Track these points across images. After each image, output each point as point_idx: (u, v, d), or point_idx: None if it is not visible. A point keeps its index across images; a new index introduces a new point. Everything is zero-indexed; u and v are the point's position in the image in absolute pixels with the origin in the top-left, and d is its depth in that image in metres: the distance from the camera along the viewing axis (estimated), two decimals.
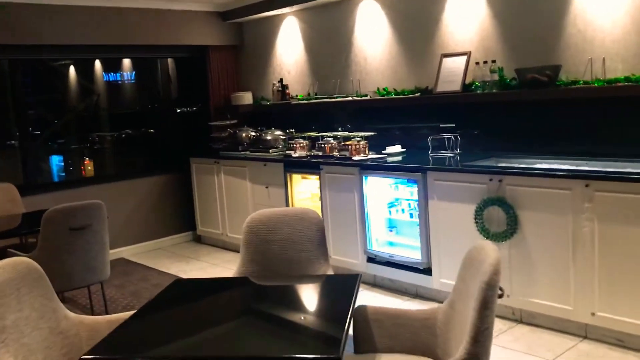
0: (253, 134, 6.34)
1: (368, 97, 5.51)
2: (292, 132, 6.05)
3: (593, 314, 3.57)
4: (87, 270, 3.98)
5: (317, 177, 5.25)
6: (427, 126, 5.18)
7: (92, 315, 4.43)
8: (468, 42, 4.86)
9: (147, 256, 6.34)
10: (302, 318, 2.31)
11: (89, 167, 7.24)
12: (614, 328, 3.51)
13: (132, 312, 2.64)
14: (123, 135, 8.08)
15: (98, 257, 4.01)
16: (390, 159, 4.94)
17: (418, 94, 5.06)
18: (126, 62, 8.05)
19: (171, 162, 7.08)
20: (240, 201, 6.06)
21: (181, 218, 6.88)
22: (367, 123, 5.62)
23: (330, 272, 3.01)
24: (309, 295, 2.58)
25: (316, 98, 5.97)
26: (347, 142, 5.21)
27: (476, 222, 4.02)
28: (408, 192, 4.64)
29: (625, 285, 3.41)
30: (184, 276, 5.55)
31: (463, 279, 2.30)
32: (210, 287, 2.85)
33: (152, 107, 8.03)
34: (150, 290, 5.19)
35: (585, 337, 3.67)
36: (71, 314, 2.63)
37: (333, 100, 5.78)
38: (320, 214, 5.20)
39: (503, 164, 4.27)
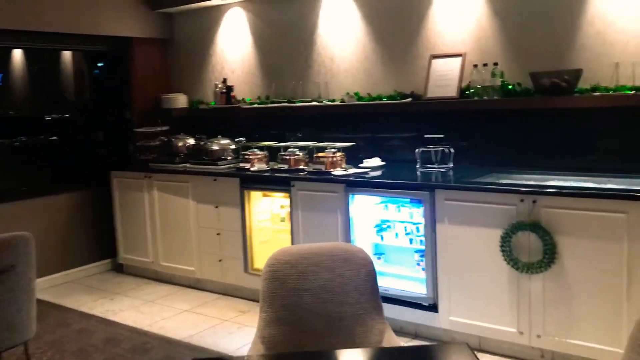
0: (192, 142, 5.37)
1: (343, 102, 4.78)
2: (242, 142, 5.16)
3: None
4: (7, 328, 2.87)
5: (286, 194, 4.43)
6: (407, 136, 4.56)
7: None
8: (460, 43, 4.29)
9: (58, 292, 5.14)
10: None
11: None
12: None
13: None
14: (16, 144, 6.73)
15: (24, 310, 2.92)
16: (372, 174, 4.24)
17: (410, 99, 4.39)
18: (17, 53, 6.74)
19: (85, 177, 5.91)
20: (180, 223, 5.06)
21: (97, 243, 5.71)
22: (330, 132, 4.89)
23: (390, 332, 2.23)
24: None
25: (274, 102, 5.13)
26: (320, 154, 4.43)
27: (503, 251, 3.40)
28: (406, 214, 3.94)
29: None
30: (114, 318, 4.47)
31: None
32: None
33: (56, 110, 6.74)
34: (75, 339, 4.07)
35: None
36: None
37: (295, 105, 4.98)
38: (290, 239, 4.40)
39: (538, 182, 3.67)
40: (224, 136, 5.19)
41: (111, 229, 5.61)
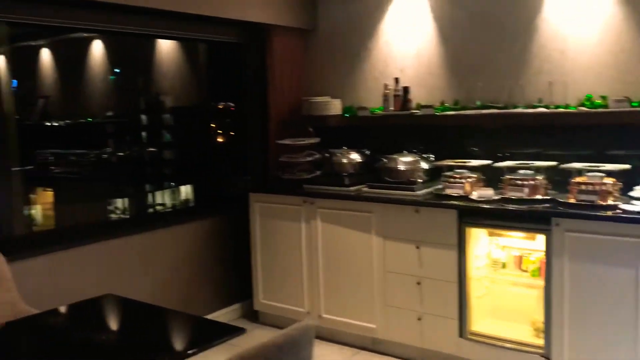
0: (359, 159, 4.18)
1: (592, 109, 3.56)
2: (431, 158, 3.97)
3: None
4: None
5: (531, 235, 3.27)
6: None
7: None
8: None
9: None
10: None
11: (45, 213, 4.81)
12: None
13: None
14: (104, 156, 5.58)
15: None
16: None
17: None
18: (97, 46, 5.64)
19: (208, 200, 4.75)
20: (355, 265, 3.86)
21: (226, 285, 4.51)
22: (555, 149, 3.70)
23: None
24: None
25: (485, 107, 3.91)
26: (580, 180, 3.22)
27: None
28: None
29: None
30: None
31: None
32: None
33: (151, 117, 5.54)
34: None
35: None
36: None
37: (519, 112, 3.77)
38: (541, 297, 3.18)
39: None
40: (397, 151, 4.01)
41: (245, 267, 4.42)
